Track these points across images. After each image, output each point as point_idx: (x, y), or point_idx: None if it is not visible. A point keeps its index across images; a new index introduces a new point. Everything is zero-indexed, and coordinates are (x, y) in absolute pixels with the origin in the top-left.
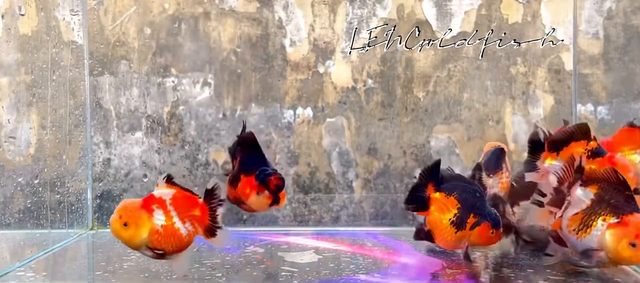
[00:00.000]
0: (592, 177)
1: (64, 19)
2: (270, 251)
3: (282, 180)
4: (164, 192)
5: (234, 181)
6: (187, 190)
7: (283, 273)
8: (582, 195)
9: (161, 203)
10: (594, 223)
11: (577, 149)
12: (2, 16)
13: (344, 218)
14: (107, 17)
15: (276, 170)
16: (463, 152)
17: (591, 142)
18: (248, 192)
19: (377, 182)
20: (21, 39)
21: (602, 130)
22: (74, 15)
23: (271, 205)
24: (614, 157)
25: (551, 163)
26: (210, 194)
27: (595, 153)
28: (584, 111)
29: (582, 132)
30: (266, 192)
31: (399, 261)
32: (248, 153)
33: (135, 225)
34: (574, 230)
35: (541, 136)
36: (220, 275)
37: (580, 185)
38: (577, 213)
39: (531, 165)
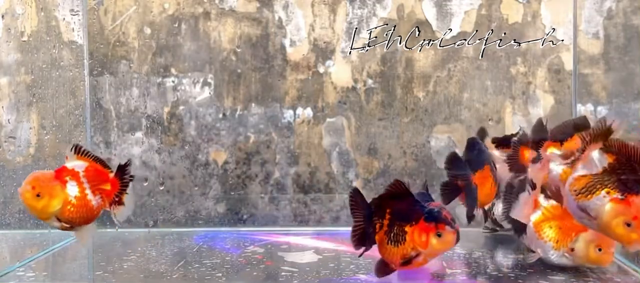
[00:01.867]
0: (614, 146)
1: (64, 19)
2: (270, 251)
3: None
4: (77, 163)
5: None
6: (99, 160)
7: (283, 274)
8: (597, 159)
9: (74, 175)
10: (598, 191)
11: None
12: (2, 16)
13: (344, 219)
14: (107, 17)
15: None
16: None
17: None
18: (425, 239)
19: (377, 182)
20: (21, 39)
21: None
22: (74, 15)
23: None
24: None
25: (552, 152)
26: (122, 170)
27: None
28: (584, 111)
29: (584, 125)
30: (448, 228)
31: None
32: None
33: (48, 196)
34: (575, 190)
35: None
36: (220, 275)
37: (600, 148)
38: (584, 176)
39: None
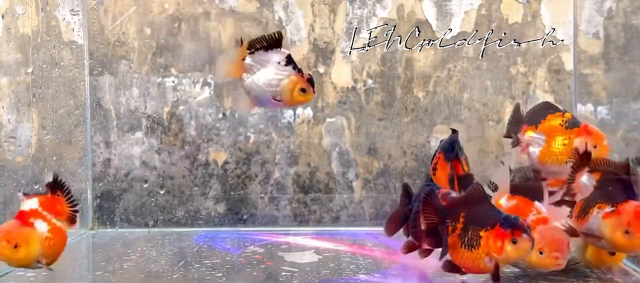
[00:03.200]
0: (599, 164)
1: (64, 19)
2: (270, 251)
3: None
4: (30, 202)
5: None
6: (39, 194)
7: (283, 274)
8: (587, 182)
9: (34, 213)
10: (591, 210)
11: (555, 120)
12: (2, 16)
13: (344, 218)
14: (107, 17)
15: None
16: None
17: (566, 114)
18: (500, 245)
19: (377, 182)
20: (21, 39)
21: (602, 130)
22: (74, 15)
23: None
24: (588, 126)
25: (531, 136)
26: (56, 184)
27: (572, 124)
28: (584, 111)
29: (552, 106)
30: (524, 236)
31: (399, 261)
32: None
33: (25, 244)
34: (576, 216)
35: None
36: (220, 275)
37: (587, 172)
38: (580, 201)
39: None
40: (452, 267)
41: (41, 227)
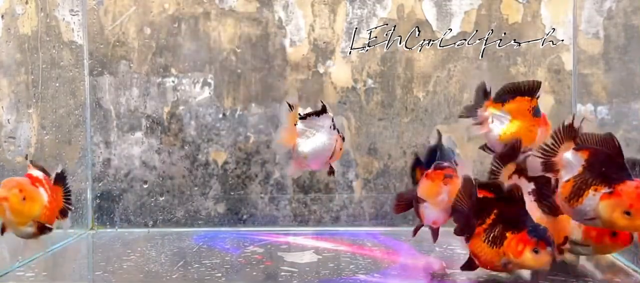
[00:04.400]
0: (585, 140)
1: (64, 19)
2: (270, 251)
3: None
4: (37, 172)
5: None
6: (45, 172)
7: (283, 274)
8: (572, 160)
9: (40, 181)
10: (586, 193)
11: (523, 103)
12: (2, 16)
13: (344, 218)
14: (107, 17)
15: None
16: (463, 152)
17: (534, 100)
18: (521, 249)
19: (377, 182)
20: (21, 39)
21: (602, 131)
22: (74, 15)
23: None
24: (546, 118)
25: (494, 112)
26: (61, 178)
27: (536, 112)
28: (584, 111)
29: (530, 89)
30: (548, 249)
31: (399, 261)
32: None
33: (32, 200)
34: (565, 198)
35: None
36: (220, 275)
37: (573, 149)
38: (568, 181)
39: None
40: (469, 265)
41: (44, 194)
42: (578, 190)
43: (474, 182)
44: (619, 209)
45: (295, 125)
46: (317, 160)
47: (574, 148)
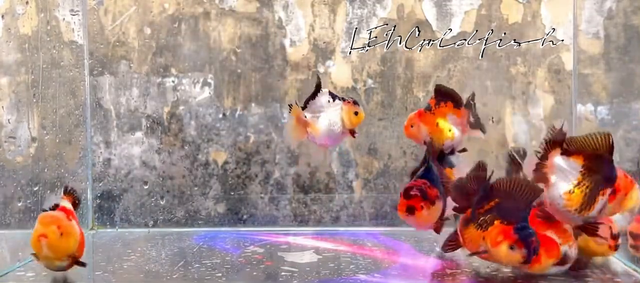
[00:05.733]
0: (574, 144)
1: (64, 19)
2: (270, 251)
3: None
4: (65, 203)
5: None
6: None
7: (283, 274)
8: (564, 165)
9: (72, 213)
10: (597, 199)
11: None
12: (2, 16)
13: (344, 218)
14: (107, 17)
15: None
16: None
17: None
18: (499, 240)
19: (377, 182)
20: (21, 39)
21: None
22: (74, 15)
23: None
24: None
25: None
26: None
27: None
28: (584, 111)
29: (442, 94)
30: (524, 251)
31: (399, 261)
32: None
33: (68, 235)
34: (576, 210)
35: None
36: (220, 275)
37: (562, 154)
38: (570, 192)
39: None
40: (452, 243)
41: (76, 227)
42: (589, 201)
43: (485, 169)
44: (630, 202)
45: (298, 118)
46: (331, 137)
47: (562, 153)
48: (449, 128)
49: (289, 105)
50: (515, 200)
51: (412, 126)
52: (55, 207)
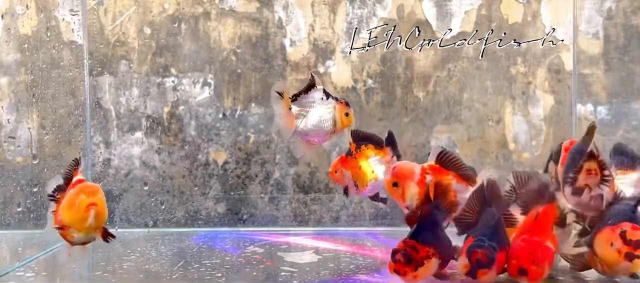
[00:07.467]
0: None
1: (63, 19)
2: (270, 251)
3: (488, 258)
4: (81, 177)
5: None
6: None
7: (283, 274)
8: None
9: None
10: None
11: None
12: (2, 16)
13: (344, 218)
14: (107, 17)
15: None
16: (463, 152)
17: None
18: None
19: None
20: (21, 39)
21: (602, 130)
22: (73, 15)
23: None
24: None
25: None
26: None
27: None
28: (584, 111)
29: (360, 137)
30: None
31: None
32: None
33: (103, 206)
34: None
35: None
36: (220, 275)
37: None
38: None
39: None
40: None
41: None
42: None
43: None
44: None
45: (289, 109)
46: (319, 133)
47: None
48: (372, 170)
49: (277, 93)
50: (501, 206)
51: (335, 172)
52: (70, 178)
